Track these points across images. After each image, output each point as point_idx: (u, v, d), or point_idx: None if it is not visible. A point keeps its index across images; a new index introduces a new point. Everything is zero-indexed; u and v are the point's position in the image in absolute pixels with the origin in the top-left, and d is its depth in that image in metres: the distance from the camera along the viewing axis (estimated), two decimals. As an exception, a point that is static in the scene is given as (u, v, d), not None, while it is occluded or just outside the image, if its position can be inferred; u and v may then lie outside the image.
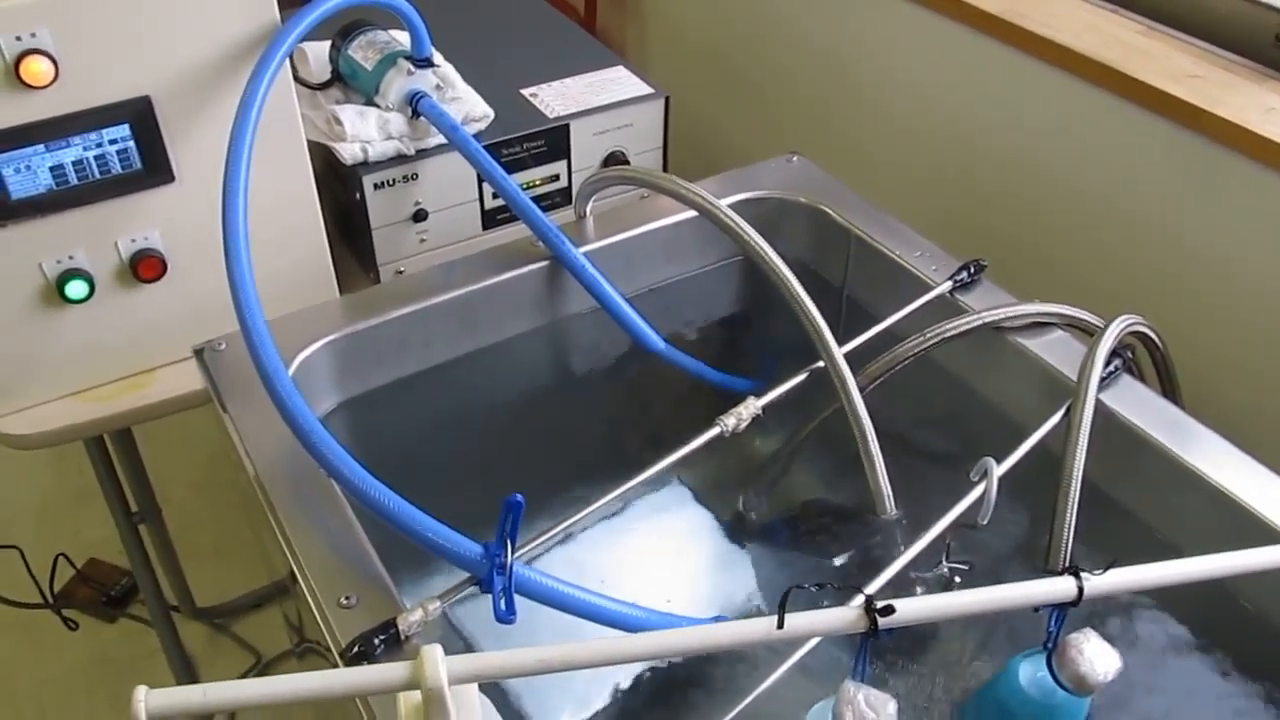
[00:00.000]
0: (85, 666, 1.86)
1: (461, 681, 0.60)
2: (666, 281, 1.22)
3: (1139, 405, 0.97)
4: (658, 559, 1.08)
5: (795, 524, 1.09)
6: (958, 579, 0.95)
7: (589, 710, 0.90)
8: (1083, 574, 0.70)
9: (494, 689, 0.90)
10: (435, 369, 1.12)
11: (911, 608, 0.66)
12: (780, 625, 0.63)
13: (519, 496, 0.72)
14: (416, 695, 0.61)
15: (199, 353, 1.01)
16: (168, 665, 1.65)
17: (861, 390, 1.02)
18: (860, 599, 0.65)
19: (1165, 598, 0.94)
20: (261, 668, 1.81)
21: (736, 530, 1.10)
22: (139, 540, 1.47)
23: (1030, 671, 0.77)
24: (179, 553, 1.79)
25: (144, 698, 0.56)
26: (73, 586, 1.91)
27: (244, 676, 1.80)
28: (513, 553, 0.74)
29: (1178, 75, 1.13)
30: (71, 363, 1.14)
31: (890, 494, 0.95)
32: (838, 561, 1.02)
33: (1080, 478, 0.90)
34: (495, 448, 1.12)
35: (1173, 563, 0.72)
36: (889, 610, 0.64)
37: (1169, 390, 1.05)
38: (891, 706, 0.68)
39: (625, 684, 0.93)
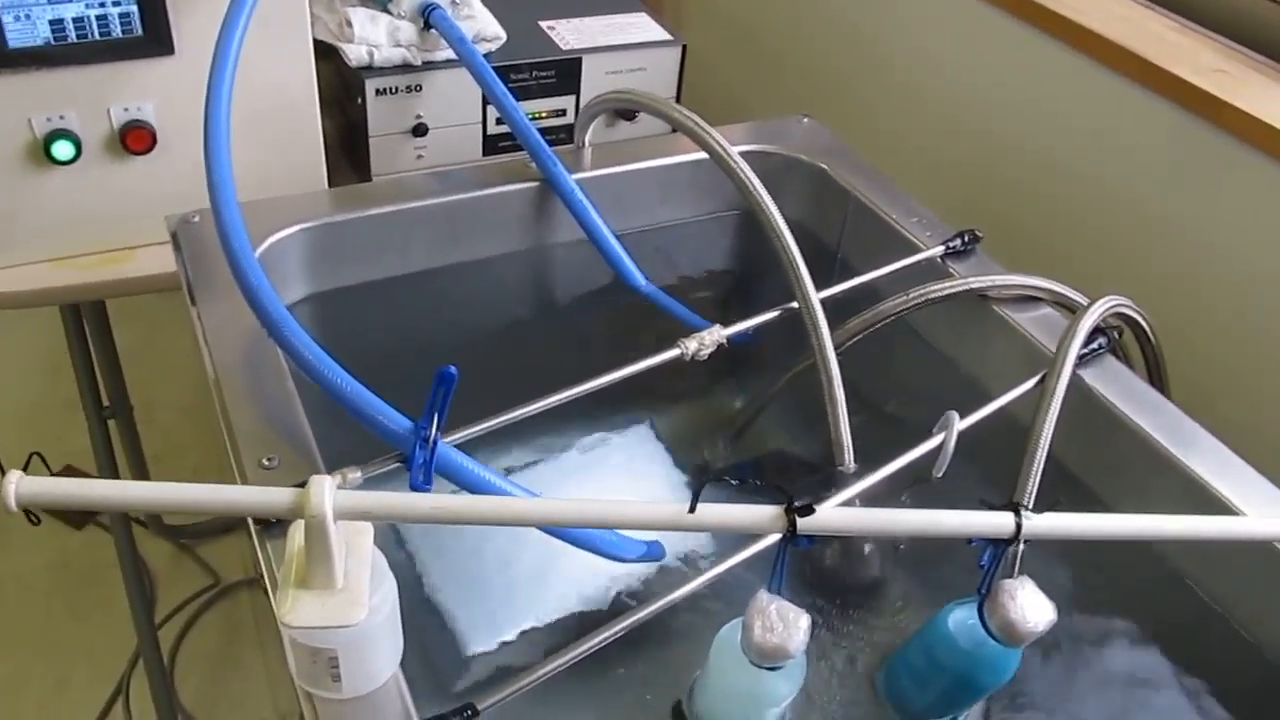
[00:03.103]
0: (47, 569, 1.84)
1: (350, 517, 0.58)
2: (658, 225, 1.19)
3: (1118, 385, 0.94)
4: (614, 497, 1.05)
5: (755, 471, 1.06)
6: (906, 534, 0.91)
7: (524, 617, 0.87)
8: (1023, 511, 0.66)
9: (432, 604, 0.88)
10: (411, 276, 1.09)
11: (833, 515, 0.63)
12: (692, 510, 0.60)
13: (452, 369, 0.70)
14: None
15: (174, 234, 0.99)
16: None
17: (839, 347, 0.99)
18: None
19: (1114, 584, 0.91)
20: (218, 591, 1.79)
21: (697, 476, 1.08)
22: (106, 435, 1.45)
23: (961, 618, 0.74)
24: (159, 474, 1.77)
25: (15, 480, 0.54)
26: (46, 489, 1.90)
27: (198, 599, 1.79)
28: (439, 427, 0.71)
29: (1202, 68, 1.10)
30: (53, 227, 1.13)
31: (850, 445, 0.92)
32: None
33: (1047, 447, 0.87)
34: (460, 362, 1.09)
35: (1119, 517, 0.69)
36: (808, 510, 0.61)
37: (1156, 380, 1.02)
38: (804, 621, 0.65)
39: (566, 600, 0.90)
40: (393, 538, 0.93)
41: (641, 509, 0.60)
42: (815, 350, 0.94)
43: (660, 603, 0.72)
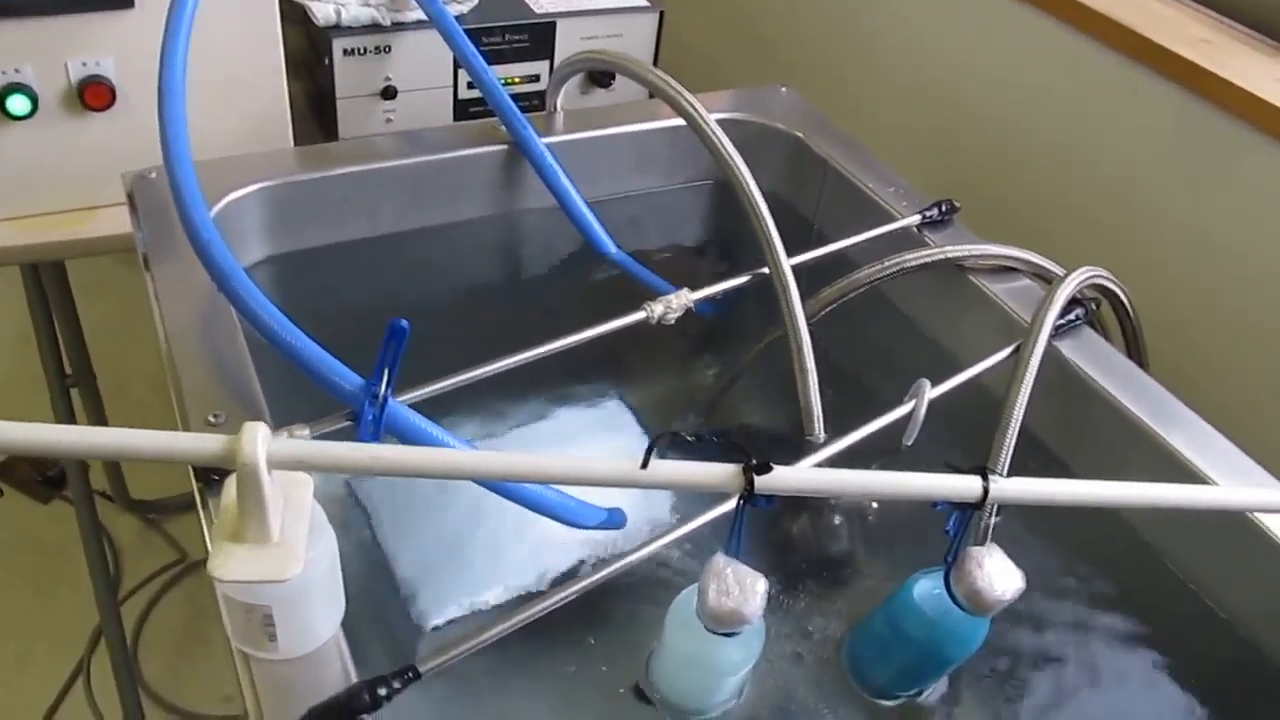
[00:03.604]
0: (11, 543, 1.81)
1: (285, 466, 0.55)
2: (631, 193, 1.17)
3: (1095, 358, 0.92)
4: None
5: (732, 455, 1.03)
6: (874, 504, 0.89)
7: (480, 584, 0.85)
8: (990, 475, 0.64)
9: (385, 568, 0.85)
10: (375, 240, 1.07)
11: (792, 474, 0.60)
12: (644, 466, 0.58)
13: (403, 322, 0.67)
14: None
15: (130, 192, 0.96)
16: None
17: (812, 317, 0.97)
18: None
19: (1085, 558, 0.89)
20: (184, 567, 1.76)
21: (667, 447, 1.05)
22: (69, 404, 1.42)
23: (927, 588, 0.71)
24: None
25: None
26: (12, 463, 1.87)
27: (163, 575, 1.76)
28: (390, 383, 0.69)
29: (1190, 40, 1.08)
30: (8, 185, 1.10)
31: (820, 415, 0.89)
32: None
33: (1020, 417, 0.85)
34: (426, 329, 1.06)
35: (1089, 483, 0.66)
36: (765, 468, 0.59)
37: (1134, 353, 1.00)
38: (761, 585, 0.63)
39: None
40: (349, 501, 0.90)
41: (590, 464, 0.58)
42: (785, 317, 0.91)
43: (613, 567, 0.70)
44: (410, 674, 0.61)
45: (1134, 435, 0.86)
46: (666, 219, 1.20)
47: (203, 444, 0.54)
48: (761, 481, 0.59)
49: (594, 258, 1.09)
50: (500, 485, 0.75)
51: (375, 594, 0.85)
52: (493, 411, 1.02)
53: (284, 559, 0.56)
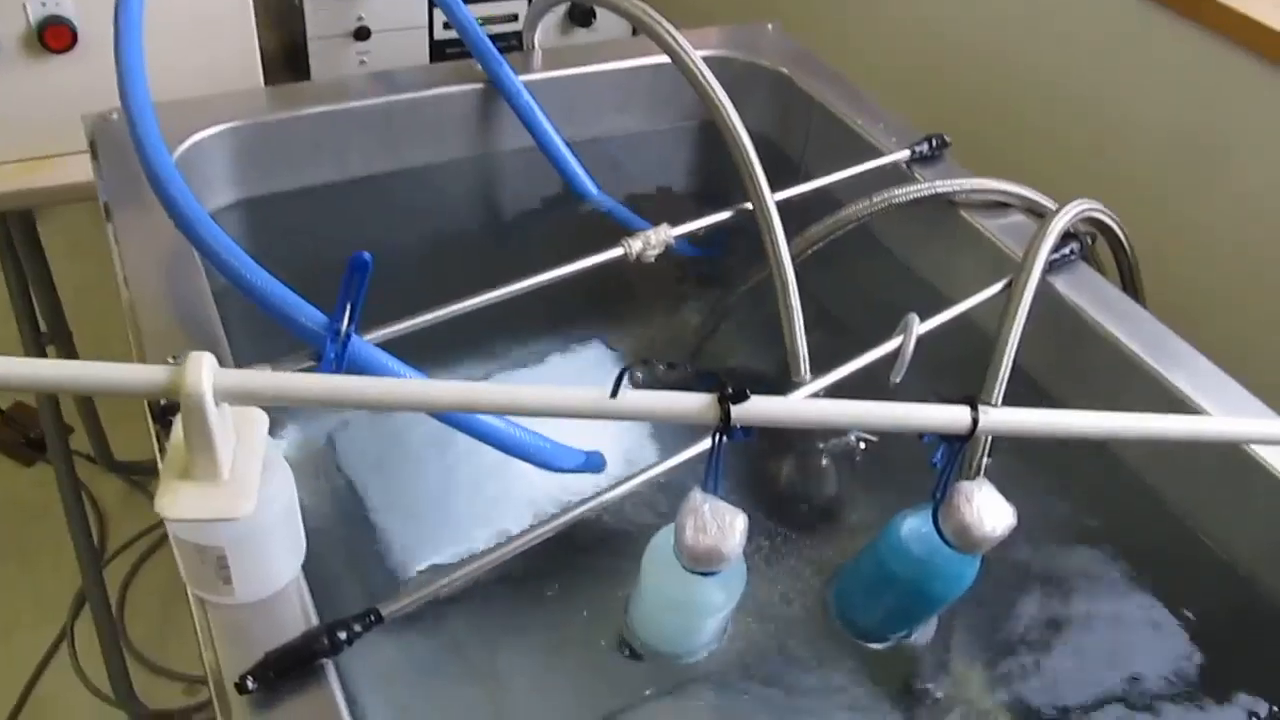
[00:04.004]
0: (-6, 507, 1.79)
1: (234, 398, 0.52)
2: (613, 135, 1.13)
3: (1090, 292, 0.89)
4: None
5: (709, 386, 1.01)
6: (863, 444, 0.86)
7: (454, 530, 0.82)
8: (980, 406, 0.61)
9: (357, 513, 0.82)
10: (347, 183, 1.03)
11: (771, 405, 0.57)
12: (614, 395, 0.55)
13: (365, 255, 0.64)
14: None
15: (91, 135, 0.93)
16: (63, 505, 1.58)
17: (799, 255, 0.94)
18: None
19: (1079, 497, 0.87)
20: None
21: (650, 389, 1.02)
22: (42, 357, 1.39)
23: (915, 525, 0.69)
24: (105, 405, 1.71)
25: None
26: (-4, 425, 1.84)
27: (148, 536, 1.73)
28: (353, 319, 0.66)
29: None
30: (-31, 132, 1.06)
31: (806, 356, 0.86)
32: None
33: (1014, 352, 0.82)
34: (401, 276, 1.03)
35: (1082, 413, 0.63)
36: (742, 396, 0.56)
37: (1129, 288, 0.97)
38: (740, 522, 0.60)
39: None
40: (328, 451, 0.87)
41: (557, 394, 0.55)
42: (770, 255, 0.88)
43: (586, 505, 0.67)
44: (372, 617, 0.59)
45: (1130, 371, 0.83)
46: (650, 161, 1.17)
47: (146, 375, 0.51)
48: (738, 411, 0.56)
49: (575, 200, 1.06)
50: (475, 427, 0.72)
51: (350, 542, 0.82)
52: (469, 356, 0.99)
53: (235, 497, 0.53)
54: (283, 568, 0.60)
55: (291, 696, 0.55)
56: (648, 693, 0.71)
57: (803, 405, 0.59)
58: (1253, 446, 0.77)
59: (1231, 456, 0.79)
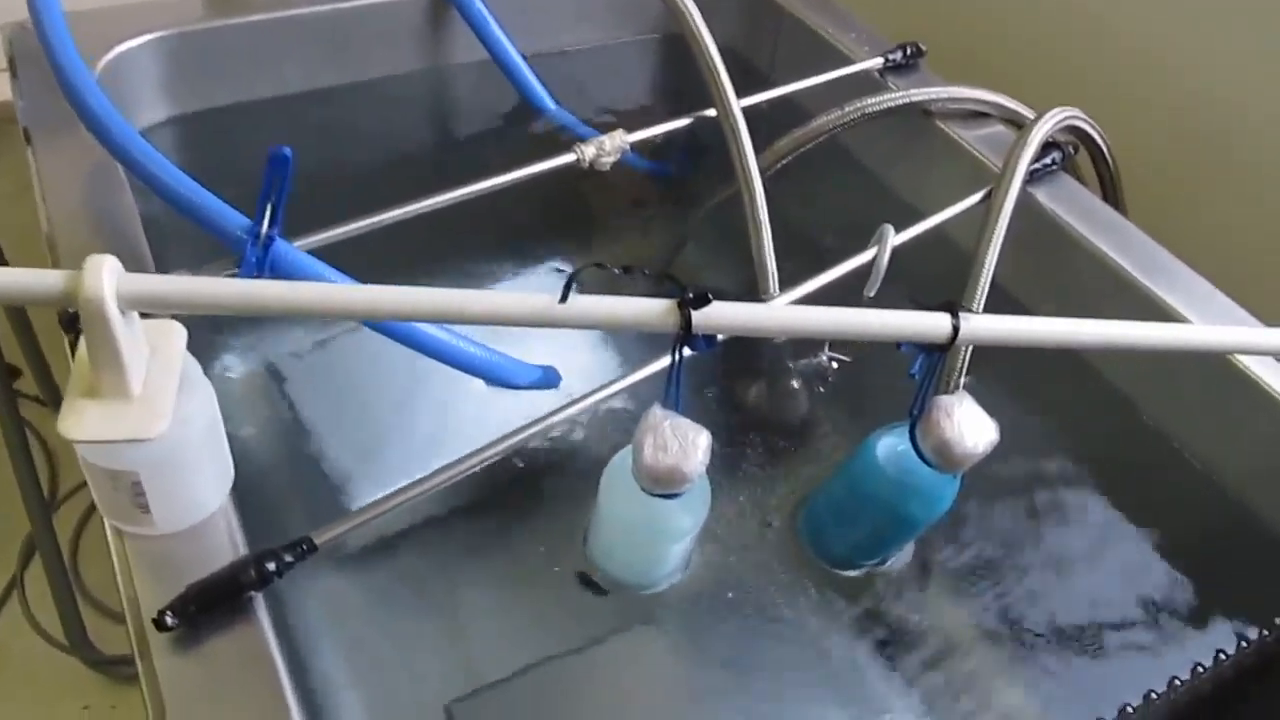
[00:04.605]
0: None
1: (139, 305, 0.47)
2: (571, 48, 1.07)
3: (1072, 203, 0.85)
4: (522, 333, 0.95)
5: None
6: (835, 365, 0.82)
7: (400, 455, 0.77)
8: (961, 313, 0.56)
9: (298, 436, 0.78)
10: (288, 99, 0.97)
11: (735, 310, 0.52)
12: (563, 300, 0.50)
13: (285, 150, 0.58)
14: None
15: (10, 50, 0.86)
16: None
17: (768, 169, 0.89)
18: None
19: (1062, 417, 0.83)
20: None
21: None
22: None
23: (890, 444, 0.64)
24: (58, 353, 1.65)
25: None
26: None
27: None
28: (275, 220, 0.60)
29: None
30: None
31: (775, 272, 0.82)
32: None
33: (994, 264, 0.78)
34: (343, 197, 0.97)
35: (1069, 321, 0.59)
36: (703, 300, 0.51)
37: (1111, 199, 0.92)
38: (703, 439, 0.56)
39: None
40: (265, 373, 0.82)
41: (498, 300, 0.50)
42: (736, 165, 0.83)
43: (535, 427, 0.62)
44: (305, 546, 0.54)
45: (1114, 283, 0.79)
46: (610, 76, 1.11)
47: (39, 280, 0.46)
48: (700, 317, 0.51)
49: (531, 116, 1.01)
50: (425, 342, 0.68)
51: (296, 472, 0.78)
52: (413, 276, 0.93)
53: (146, 416, 0.49)
54: (207, 495, 0.55)
55: (216, 633, 0.51)
56: (610, 628, 0.67)
57: (770, 311, 0.54)
58: (1241, 361, 0.74)
59: (1218, 372, 0.75)
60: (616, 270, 0.53)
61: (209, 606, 0.51)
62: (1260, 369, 0.74)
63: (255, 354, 0.84)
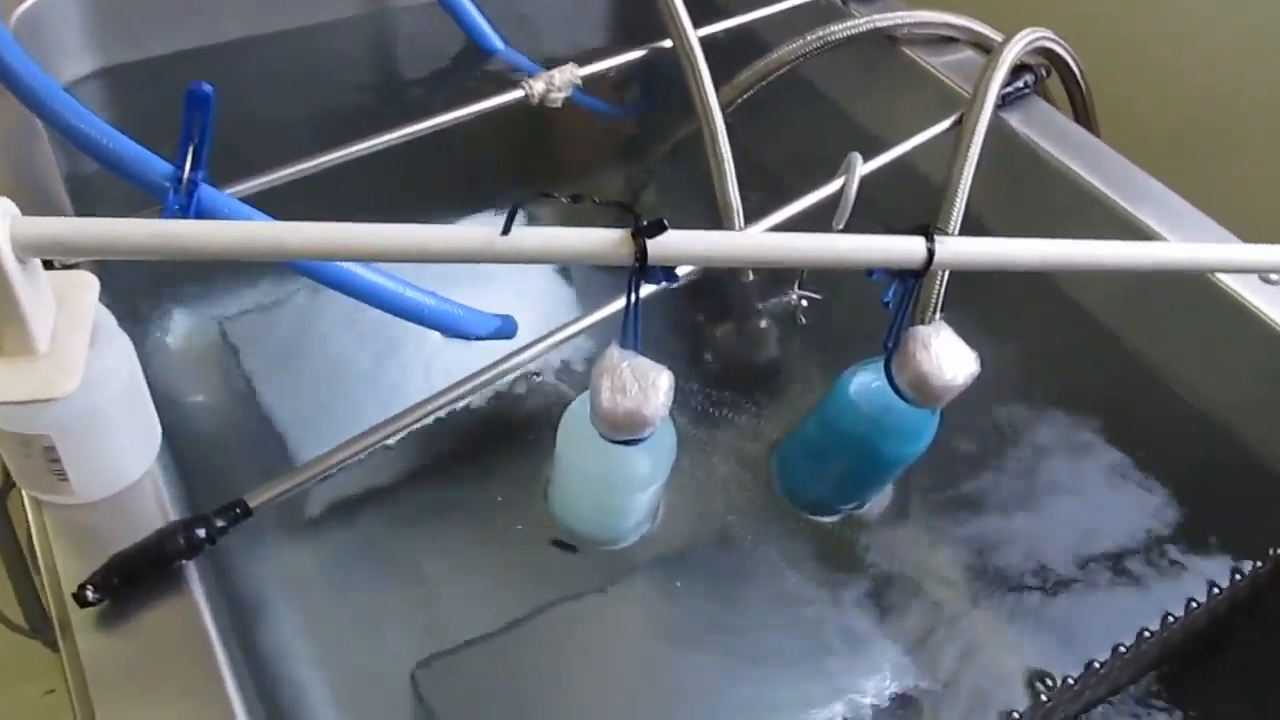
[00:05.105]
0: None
1: (39, 250, 0.43)
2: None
3: (1047, 127, 0.82)
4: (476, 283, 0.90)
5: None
6: (805, 303, 0.78)
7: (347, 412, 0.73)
8: (936, 236, 0.53)
9: (238, 395, 0.73)
10: (222, 47, 0.93)
11: (693, 239, 0.49)
12: (505, 232, 0.46)
13: (205, 87, 0.54)
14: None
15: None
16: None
17: (728, 105, 0.85)
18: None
19: (1046, 351, 0.80)
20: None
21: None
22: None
23: (865, 380, 0.61)
24: None
25: None
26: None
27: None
28: (198, 163, 0.56)
29: None
30: None
31: (740, 209, 0.78)
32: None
33: (967, 190, 0.74)
34: (285, 146, 0.93)
35: (1050, 241, 0.55)
36: (659, 228, 0.47)
37: (1084, 122, 0.89)
38: (664, 379, 0.52)
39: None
40: (210, 334, 0.78)
41: (434, 234, 0.46)
42: (695, 99, 0.79)
43: (487, 375, 0.59)
44: (239, 510, 0.50)
45: (1092, 206, 0.76)
46: (561, 14, 1.06)
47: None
48: (655, 247, 0.48)
49: (479, 58, 0.96)
50: (375, 293, 0.64)
51: (242, 436, 0.74)
52: (360, 221, 0.88)
53: (54, 374, 0.44)
54: (130, 459, 0.51)
55: (144, 608, 0.47)
56: (577, 586, 0.64)
57: (732, 239, 0.51)
58: (1224, 281, 0.71)
59: (1200, 295, 0.72)
60: (564, 199, 0.49)
61: (134, 578, 0.47)
62: (1244, 289, 0.71)
63: (196, 314, 0.80)
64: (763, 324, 0.78)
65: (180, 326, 0.80)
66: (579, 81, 0.76)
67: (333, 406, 0.73)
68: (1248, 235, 0.72)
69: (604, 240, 0.48)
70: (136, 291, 0.76)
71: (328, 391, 0.75)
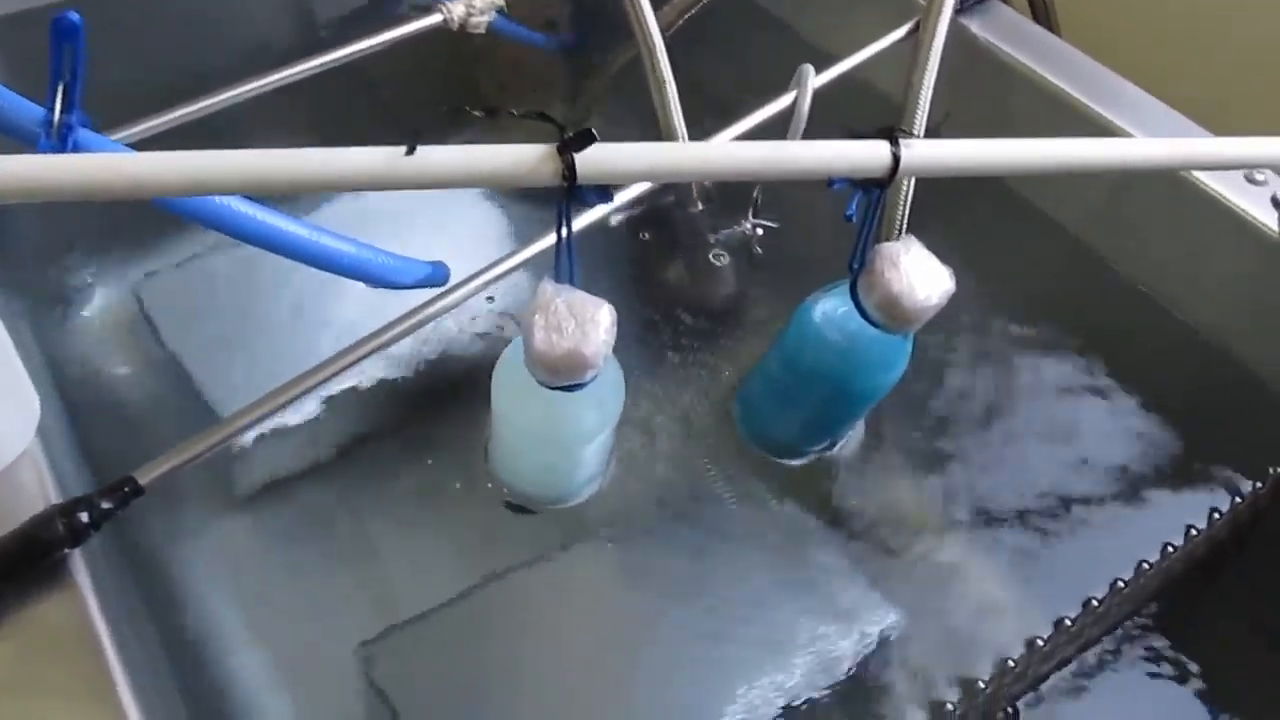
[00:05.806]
0: None
1: None
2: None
3: (1008, 31, 0.76)
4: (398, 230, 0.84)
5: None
6: (760, 231, 0.72)
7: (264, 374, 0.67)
8: (901, 140, 0.47)
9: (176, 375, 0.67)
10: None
11: (627, 151, 0.43)
12: (410, 152, 0.40)
13: (73, 16, 0.47)
14: None
15: None
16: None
17: (669, 28, 0.80)
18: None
19: (1025, 272, 0.75)
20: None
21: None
22: None
23: (830, 307, 0.55)
24: None
25: None
26: None
27: None
28: (71, 103, 0.49)
29: None
30: None
31: (683, 129, 0.72)
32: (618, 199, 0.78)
33: (930, 94, 0.68)
34: (184, 89, 0.85)
35: (1023, 142, 0.50)
36: (587, 139, 0.41)
37: (1044, 21, 0.83)
38: (605, 314, 0.46)
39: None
40: (128, 305, 0.71)
41: (328, 158, 0.40)
42: (633, 21, 0.72)
43: (408, 323, 0.52)
44: (128, 488, 0.44)
45: (1060, 110, 0.71)
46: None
47: None
48: (585, 162, 0.41)
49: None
50: (290, 243, 0.57)
51: (159, 409, 0.67)
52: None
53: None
54: (4, 438, 0.45)
55: (19, 606, 0.41)
56: (528, 551, 0.58)
57: (670, 150, 0.45)
58: (1201, 180, 0.65)
59: (1179, 197, 0.67)
60: (477, 113, 0.43)
61: (9, 573, 0.41)
62: (1220, 186, 0.66)
63: (106, 283, 0.74)
64: (715, 256, 0.73)
65: (87, 296, 0.74)
66: (501, 3, 0.69)
67: (249, 370, 0.67)
68: (1218, 133, 0.68)
69: (526, 156, 0.42)
70: (40, 257, 0.70)
71: (244, 355, 0.69)
